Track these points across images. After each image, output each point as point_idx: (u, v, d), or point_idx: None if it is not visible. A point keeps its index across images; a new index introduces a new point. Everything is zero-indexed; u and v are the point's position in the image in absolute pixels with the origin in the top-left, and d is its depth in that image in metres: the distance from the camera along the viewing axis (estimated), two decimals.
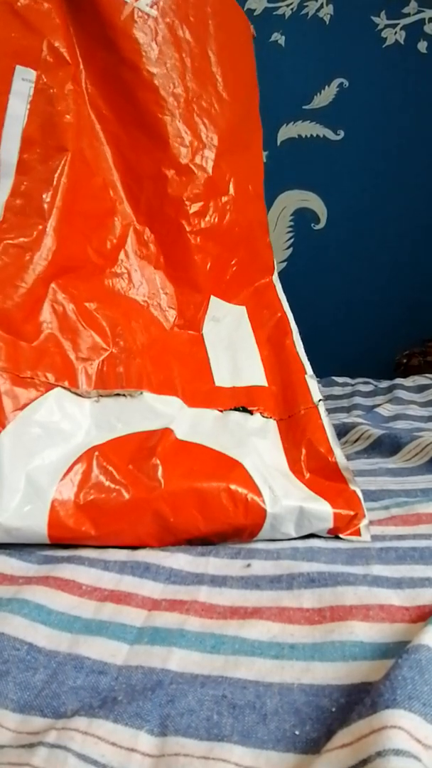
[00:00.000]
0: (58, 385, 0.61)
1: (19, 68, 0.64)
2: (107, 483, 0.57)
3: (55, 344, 0.64)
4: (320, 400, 0.72)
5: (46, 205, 0.64)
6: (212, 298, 0.79)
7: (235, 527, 0.57)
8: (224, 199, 0.79)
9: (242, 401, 0.70)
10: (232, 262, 0.82)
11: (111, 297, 0.71)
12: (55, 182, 0.65)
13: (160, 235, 0.76)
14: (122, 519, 0.56)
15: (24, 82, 0.65)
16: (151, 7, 0.71)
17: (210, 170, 0.76)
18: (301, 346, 0.79)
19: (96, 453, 0.59)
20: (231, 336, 0.78)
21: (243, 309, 0.81)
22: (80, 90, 0.70)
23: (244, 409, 0.69)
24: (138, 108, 0.72)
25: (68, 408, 0.61)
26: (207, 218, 0.77)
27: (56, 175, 0.65)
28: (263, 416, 0.69)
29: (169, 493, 0.57)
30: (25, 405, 0.58)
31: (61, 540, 0.55)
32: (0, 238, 0.62)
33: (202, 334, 0.76)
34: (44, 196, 0.65)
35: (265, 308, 0.83)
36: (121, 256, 0.73)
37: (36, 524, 0.54)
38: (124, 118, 0.73)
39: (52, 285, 0.66)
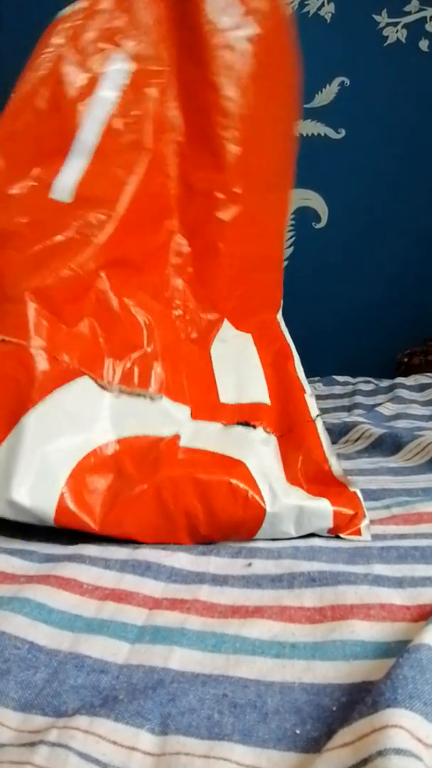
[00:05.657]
0: (86, 374, 0.62)
1: (115, 55, 0.66)
2: (116, 477, 0.59)
3: (92, 332, 0.64)
4: (318, 415, 0.73)
5: (115, 196, 0.66)
6: (225, 320, 0.81)
7: (233, 520, 0.58)
8: (257, 230, 0.82)
9: (245, 417, 0.71)
10: (249, 290, 0.85)
11: (146, 299, 0.72)
12: (128, 176, 0.67)
13: (196, 251, 0.78)
14: (126, 510, 0.58)
15: (120, 71, 0.66)
16: (247, 41, 0.74)
17: (253, 202, 0.79)
18: (302, 370, 0.81)
19: (109, 447, 0.60)
20: (237, 356, 0.80)
21: (249, 335, 0.84)
22: (166, 94, 0.73)
23: (247, 424, 0.70)
24: (209, 128, 0.75)
25: (91, 398, 0.62)
26: (241, 245, 0.80)
27: (131, 169, 0.67)
28: (265, 431, 0.70)
29: (170, 478, 0.58)
30: (55, 388, 0.59)
31: (66, 525, 0.56)
32: (67, 221, 0.64)
33: (209, 352, 0.78)
34: (116, 187, 0.66)
35: (269, 336, 0.86)
36: (161, 261, 0.75)
37: (45, 506, 0.55)
38: (194, 133, 0.75)
39: (102, 274, 0.66)
